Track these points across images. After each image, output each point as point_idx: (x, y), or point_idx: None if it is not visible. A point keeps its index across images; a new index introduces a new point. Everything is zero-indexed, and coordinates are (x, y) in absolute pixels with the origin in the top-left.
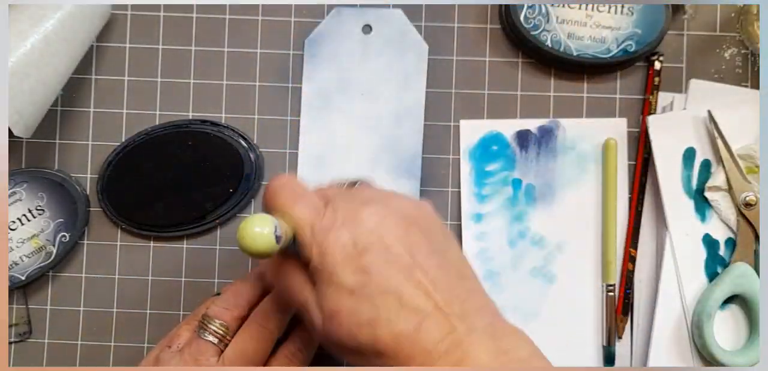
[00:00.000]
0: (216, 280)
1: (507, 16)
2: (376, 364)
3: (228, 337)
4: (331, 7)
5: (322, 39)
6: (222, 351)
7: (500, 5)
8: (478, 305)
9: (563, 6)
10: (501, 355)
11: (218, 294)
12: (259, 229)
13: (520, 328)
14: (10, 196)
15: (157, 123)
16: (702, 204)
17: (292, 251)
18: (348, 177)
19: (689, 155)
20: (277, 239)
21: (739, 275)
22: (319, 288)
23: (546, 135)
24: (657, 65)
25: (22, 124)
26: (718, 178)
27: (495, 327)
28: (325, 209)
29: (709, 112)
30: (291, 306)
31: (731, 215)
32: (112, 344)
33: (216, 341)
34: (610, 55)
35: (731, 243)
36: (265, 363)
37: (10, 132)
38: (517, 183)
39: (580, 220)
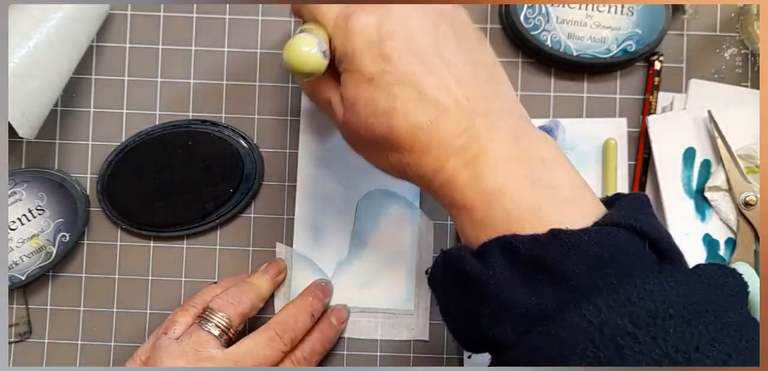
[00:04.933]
0: (216, 280)
1: (507, 16)
2: (394, 159)
3: (231, 331)
4: None
5: None
6: (223, 345)
7: (500, 5)
8: (506, 106)
9: (563, 6)
10: (521, 154)
11: (216, 282)
12: (306, 49)
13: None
14: (10, 196)
15: (157, 123)
16: (702, 204)
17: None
18: None
19: (689, 155)
20: (324, 54)
21: None
22: (342, 79)
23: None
24: (657, 65)
25: (27, 125)
26: (718, 178)
27: (519, 128)
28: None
29: (709, 112)
30: (318, 104)
31: (731, 215)
32: (112, 344)
33: (218, 333)
34: (610, 55)
35: (731, 243)
36: None
37: (11, 132)
38: None
39: None
